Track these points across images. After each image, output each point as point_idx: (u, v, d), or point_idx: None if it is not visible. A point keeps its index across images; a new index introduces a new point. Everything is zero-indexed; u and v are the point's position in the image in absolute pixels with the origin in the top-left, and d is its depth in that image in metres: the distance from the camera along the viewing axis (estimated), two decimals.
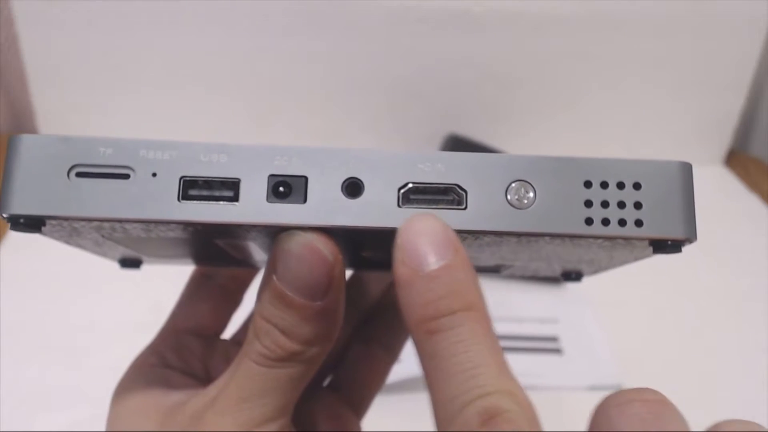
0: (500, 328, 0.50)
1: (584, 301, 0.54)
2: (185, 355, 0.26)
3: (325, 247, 0.18)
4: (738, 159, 0.78)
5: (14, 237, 0.59)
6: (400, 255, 0.17)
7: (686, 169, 0.18)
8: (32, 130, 0.70)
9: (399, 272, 0.17)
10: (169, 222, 0.18)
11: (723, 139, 0.76)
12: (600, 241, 0.18)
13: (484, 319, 0.17)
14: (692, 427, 0.16)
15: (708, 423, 0.16)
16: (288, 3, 0.63)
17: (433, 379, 0.17)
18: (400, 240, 0.17)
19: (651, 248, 0.19)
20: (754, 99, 0.78)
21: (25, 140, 0.18)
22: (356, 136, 0.72)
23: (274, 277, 0.19)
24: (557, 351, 0.50)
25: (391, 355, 0.29)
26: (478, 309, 0.17)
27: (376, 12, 0.64)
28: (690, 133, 0.76)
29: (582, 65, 0.69)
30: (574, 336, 0.51)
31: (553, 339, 0.51)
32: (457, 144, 0.66)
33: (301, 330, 0.19)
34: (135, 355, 0.27)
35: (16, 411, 0.43)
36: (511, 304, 0.53)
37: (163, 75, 0.66)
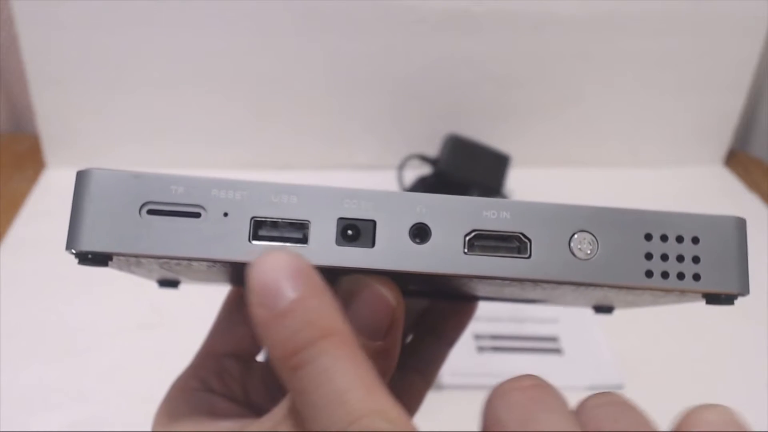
0: (501, 328, 0.51)
1: None
2: (226, 378, 0.26)
3: (388, 291, 0.19)
4: (738, 159, 0.78)
5: (14, 237, 0.59)
6: (254, 298, 0.17)
7: (741, 225, 0.19)
8: (32, 130, 0.70)
9: (255, 314, 0.17)
10: (240, 263, 0.18)
11: (723, 139, 0.76)
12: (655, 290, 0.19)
13: (346, 343, 0.17)
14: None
15: None
16: (288, 3, 0.63)
17: (306, 415, 0.17)
18: (251, 283, 0.17)
19: (704, 300, 0.19)
20: (754, 99, 0.78)
21: (96, 175, 0.18)
22: (356, 135, 0.72)
23: None
24: (557, 351, 0.50)
25: (427, 381, 0.29)
26: (338, 333, 0.17)
27: (376, 12, 0.64)
28: (690, 133, 0.76)
29: (582, 65, 0.69)
30: (574, 336, 0.51)
31: (553, 339, 0.51)
32: (457, 144, 0.66)
33: None
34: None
35: (16, 411, 0.43)
36: (511, 305, 0.53)
37: (164, 75, 0.66)
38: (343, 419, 0.16)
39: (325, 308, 0.17)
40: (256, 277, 0.17)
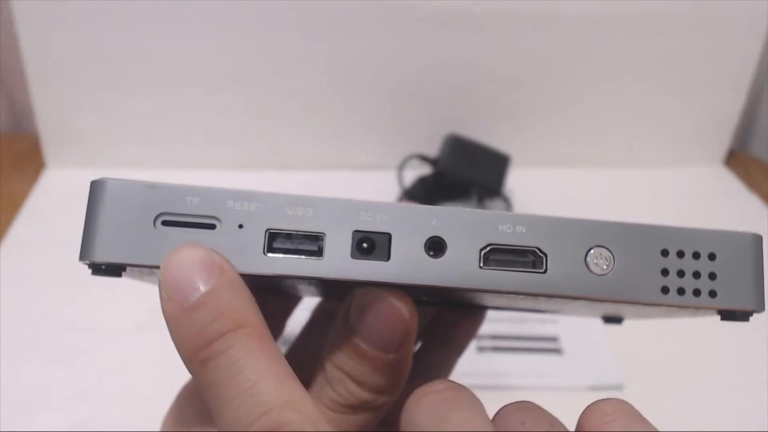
0: (501, 328, 0.51)
1: None
2: None
3: (402, 304, 0.19)
4: (738, 159, 0.78)
5: (14, 237, 0.59)
6: (164, 292, 0.17)
7: (758, 241, 0.19)
8: (32, 130, 0.70)
9: (165, 309, 0.17)
10: (254, 275, 0.18)
11: (723, 139, 0.76)
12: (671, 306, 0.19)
13: (258, 334, 0.17)
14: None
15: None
16: (288, 3, 0.63)
17: (214, 409, 0.16)
18: (162, 277, 0.17)
19: (719, 316, 0.19)
20: (754, 99, 0.78)
21: (110, 185, 0.18)
22: (356, 135, 0.72)
23: (350, 330, 0.19)
24: (557, 351, 0.50)
25: None
26: (249, 325, 0.17)
27: (376, 12, 0.64)
28: (690, 133, 0.76)
29: (582, 65, 0.69)
30: (574, 336, 0.51)
31: (553, 339, 0.51)
32: (457, 144, 0.66)
33: (373, 380, 0.20)
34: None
35: (16, 411, 0.43)
36: None
37: (164, 75, 0.66)
38: (253, 411, 0.15)
39: (237, 301, 0.17)
40: (167, 271, 0.17)
